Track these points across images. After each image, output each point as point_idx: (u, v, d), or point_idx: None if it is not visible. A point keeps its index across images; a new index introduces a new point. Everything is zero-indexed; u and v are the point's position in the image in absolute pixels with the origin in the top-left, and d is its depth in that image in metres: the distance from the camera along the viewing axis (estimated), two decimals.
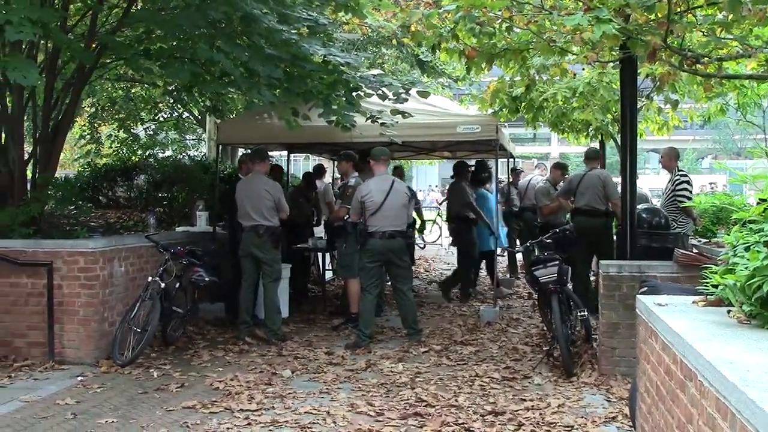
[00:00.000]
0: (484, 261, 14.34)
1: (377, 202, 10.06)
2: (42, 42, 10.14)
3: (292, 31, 9.58)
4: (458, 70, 20.73)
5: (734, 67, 10.48)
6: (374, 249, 10.10)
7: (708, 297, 4.37)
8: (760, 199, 4.04)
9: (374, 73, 12.06)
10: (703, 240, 9.78)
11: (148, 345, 9.12)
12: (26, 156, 10.44)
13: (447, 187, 14.48)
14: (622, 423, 6.81)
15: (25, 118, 10.84)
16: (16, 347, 9.05)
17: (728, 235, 4.21)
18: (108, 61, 11.22)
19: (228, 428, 6.68)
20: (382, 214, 10.06)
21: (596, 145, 15.27)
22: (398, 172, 15.94)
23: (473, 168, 14.26)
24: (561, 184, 13.51)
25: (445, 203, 15.34)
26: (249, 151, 13.31)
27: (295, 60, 9.53)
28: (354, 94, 10.26)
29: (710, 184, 27.31)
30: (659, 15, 7.68)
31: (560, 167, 13.97)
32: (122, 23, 10.43)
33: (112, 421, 6.89)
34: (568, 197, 12.28)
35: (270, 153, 12.80)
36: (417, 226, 14.99)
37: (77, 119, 19.58)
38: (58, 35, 8.45)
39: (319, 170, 15.80)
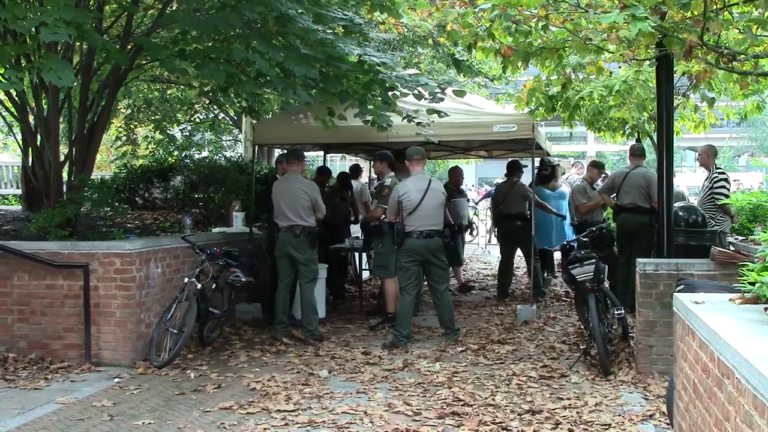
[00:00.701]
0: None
1: (414, 202, 10.04)
2: (77, 43, 10.24)
3: (328, 31, 9.60)
4: (494, 69, 20.65)
5: None
6: (412, 249, 10.09)
7: (745, 294, 4.35)
8: None
9: (410, 72, 12.05)
10: (740, 237, 9.71)
11: (184, 346, 9.17)
12: (62, 157, 10.53)
13: (496, 186, 14.26)
14: (659, 421, 6.77)
15: (61, 119, 10.94)
16: (52, 349, 9.10)
17: (765, 232, 4.17)
18: (143, 62, 11.30)
19: (265, 429, 6.69)
20: (419, 213, 10.04)
21: (633, 142, 15.16)
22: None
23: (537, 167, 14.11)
24: (598, 182, 13.44)
25: (483, 202, 15.10)
26: (285, 151, 13.36)
27: (330, 60, 9.54)
28: (390, 93, 10.26)
29: (734, 181, 27.06)
30: (695, 12, 7.63)
31: (597, 166, 13.88)
32: (157, 24, 10.50)
33: (149, 423, 6.92)
34: (611, 194, 12.22)
35: (306, 153, 12.83)
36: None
37: (113, 121, 19.72)
38: (93, 36, 8.51)
39: (356, 170, 15.81)
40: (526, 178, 14.03)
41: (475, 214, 27.44)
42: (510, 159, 14.50)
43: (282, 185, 10.66)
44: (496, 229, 14.87)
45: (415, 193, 10.09)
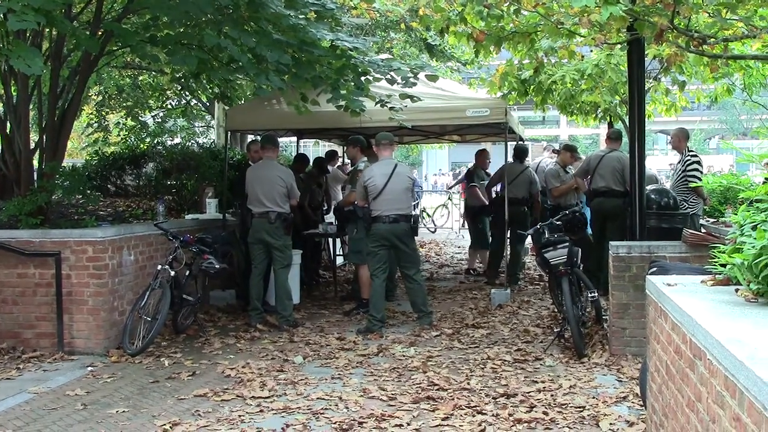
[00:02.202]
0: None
1: (379, 186, 10.07)
2: (47, 30, 10.13)
3: (300, 17, 9.55)
4: (467, 54, 20.65)
5: (740, 48, 10.45)
6: (378, 233, 10.12)
7: (716, 276, 4.38)
8: (766, 178, 4.03)
9: (383, 57, 12.03)
10: (711, 220, 9.77)
11: (158, 334, 9.13)
12: (32, 145, 10.43)
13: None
14: (633, 402, 6.82)
15: (31, 106, 10.83)
16: (24, 339, 9.04)
17: (736, 214, 4.20)
18: (114, 48, 11.21)
19: (240, 416, 6.69)
20: (384, 197, 10.06)
21: (605, 127, 15.23)
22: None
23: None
24: (570, 166, 13.48)
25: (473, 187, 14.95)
26: (258, 137, 13.31)
27: (303, 45, 9.50)
28: (363, 78, 10.24)
29: (709, 167, 27.37)
30: None
31: (570, 149, 13.93)
32: (128, 10, 10.40)
33: (123, 411, 6.90)
34: (585, 177, 12.27)
35: (279, 139, 12.80)
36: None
37: (84, 107, 19.55)
38: (63, 23, 8.42)
39: (331, 156, 15.80)
40: (499, 163, 14.01)
41: (449, 198, 27.51)
42: (519, 143, 14.34)
43: (257, 171, 10.63)
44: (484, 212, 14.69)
45: (380, 178, 10.11)
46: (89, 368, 8.39)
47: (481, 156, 15.05)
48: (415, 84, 10.45)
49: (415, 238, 10.83)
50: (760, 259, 3.58)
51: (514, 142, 13.95)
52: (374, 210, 10.12)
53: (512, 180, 12.97)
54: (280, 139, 13.27)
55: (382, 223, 10.07)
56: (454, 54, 22.09)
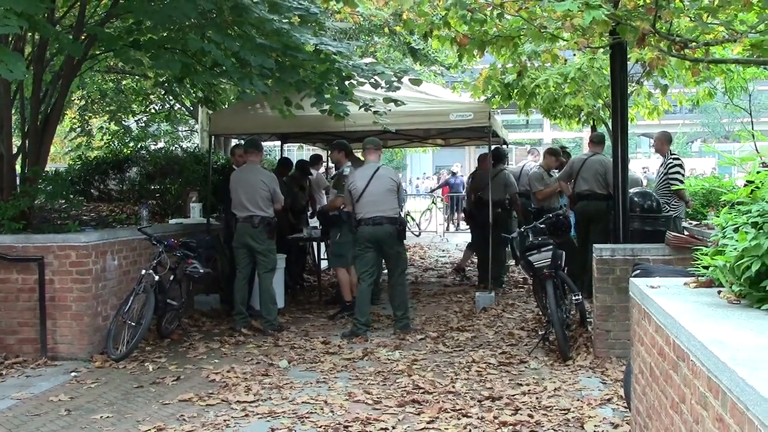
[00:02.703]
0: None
1: (359, 189, 10.09)
2: (29, 34, 10.10)
3: (284, 21, 9.55)
4: (450, 58, 20.64)
5: (721, 52, 10.54)
6: (362, 236, 10.14)
7: (699, 278, 4.40)
8: (747, 180, 4.06)
9: (366, 61, 12.05)
10: (694, 222, 9.82)
11: (142, 338, 9.12)
12: (15, 150, 10.39)
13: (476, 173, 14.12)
14: (617, 404, 6.85)
15: (13, 111, 10.80)
16: (7, 344, 9.00)
17: (718, 216, 4.23)
18: (97, 52, 11.17)
19: (225, 420, 6.68)
20: (365, 200, 10.07)
21: (588, 130, 15.27)
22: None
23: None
24: (554, 170, 13.51)
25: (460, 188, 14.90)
26: (242, 141, 13.30)
27: (286, 49, 9.51)
28: (346, 82, 10.26)
29: (692, 170, 27.58)
30: (647, 1, 7.72)
31: (553, 153, 13.95)
32: (111, 14, 10.39)
33: (107, 417, 6.88)
34: (569, 181, 12.30)
35: (263, 143, 12.79)
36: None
37: (67, 112, 19.50)
38: (45, 27, 8.41)
39: (316, 160, 15.80)
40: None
41: (433, 202, 27.57)
42: (497, 146, 14.33)
43: (241, 175, 10.63)
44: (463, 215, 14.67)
45: (360, 181, 10.15)
46: (73, 374, 8.37)
47: (484, 160, 15.07)
48: (399, 88, 10.47)
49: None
50: (742, 261, 3.61)
51: (502, 147, 13.98)
52: (357, 213, 10.15)
53: (490, 182, 13.04)
54: (264, 144, 13.25)
55: (365, 225, 10.07)
56: (438, 58, 22.12)
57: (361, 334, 9.86)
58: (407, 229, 21.56)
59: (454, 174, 30.86)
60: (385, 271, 11.27)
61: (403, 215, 11.29)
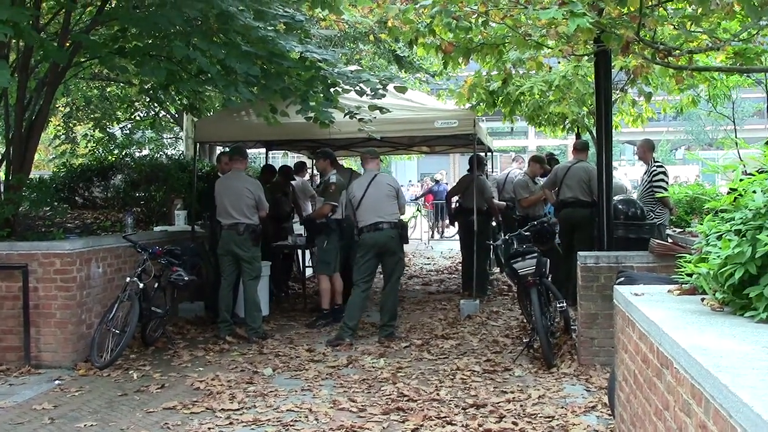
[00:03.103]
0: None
1: (358, 197, 10.19)
2: (14, 41, 10.07)
3: (269, 28, 9.56)
4: (435, 65, 20.71)
5: (704, 60, 10.57)
6: (363, 242, 10.22)
7: (683, 286, 4.42)
8: (730, 188, 4.08)
9: (352, 69, 12.06)
10: (678, 230, 9.86)
11: (126, 346, 9.10)
12: None
13: (459, 180, 14.20)
14: (601, 412, 6.86)
15: None
16: None
17: (701, 224, 4.25)
18: (82, 59, 11.16)
19: (209, 428, 6.67)
20: (364, 207, 10.16)
21: (573, 137, 15.32)
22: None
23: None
24: (539, 177, 13.55)
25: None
26: (227, 148, 13.28)
27: (272, 57, 9.52)
28: (332, 90, 10.27)
29: (675, 177, 27.72)
30: (632, 9, 7.74)
31: (538, 160, 14.00)
32: (96, 21, 10.37)
33: (91, 425, 6.85)
34: (553, 188, 12.33)
35: (248, 150, 12.78)
36: None
37: (52, 119, 19.44)
38: (30, 34, 8.38)
39: (300, 167, 15.78)
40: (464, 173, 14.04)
41: (418, 209, 27.59)
42: (474, 154, 14.36)
43: (226, 183, 10.62)
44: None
45: (358, 189, 10.24)
46: (56, 382, 8.33)
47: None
48: (384, 95, 10.49)
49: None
50: (726, 268, 3.63)
51: (482, 153, 14.01)
52: (358, 221, 10.24)
53: (464, 190, 13.08)
54: (249, 151, 13.24)
55: (366, 232, 10.15)
56: (423, 65, 22.16)
57: (347, 338, 9.86)
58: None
59: (437, 182, 30.92)
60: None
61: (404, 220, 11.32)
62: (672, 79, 11.23)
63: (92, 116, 20.93)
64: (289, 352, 9.49)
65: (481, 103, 12.60)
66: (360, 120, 10.46)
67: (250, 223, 10.41)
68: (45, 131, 16.92)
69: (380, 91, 10.41)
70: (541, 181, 13.31)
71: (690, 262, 4.21)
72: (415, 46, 9.95)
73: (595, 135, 11.34)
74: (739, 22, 8.91)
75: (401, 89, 11.11)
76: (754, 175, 3.98)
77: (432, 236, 26.68)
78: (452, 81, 22.75)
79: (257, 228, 10.52)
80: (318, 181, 13.43)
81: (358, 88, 10.38)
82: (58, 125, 21.70)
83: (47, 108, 10.54)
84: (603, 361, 8.29)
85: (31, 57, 10.24)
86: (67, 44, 9.92)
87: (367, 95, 10.40)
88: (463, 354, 9.31)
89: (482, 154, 14.32)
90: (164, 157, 16.23)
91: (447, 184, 28.77)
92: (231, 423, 6.80)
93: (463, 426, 6.59)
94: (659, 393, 3.64)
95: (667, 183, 11.32)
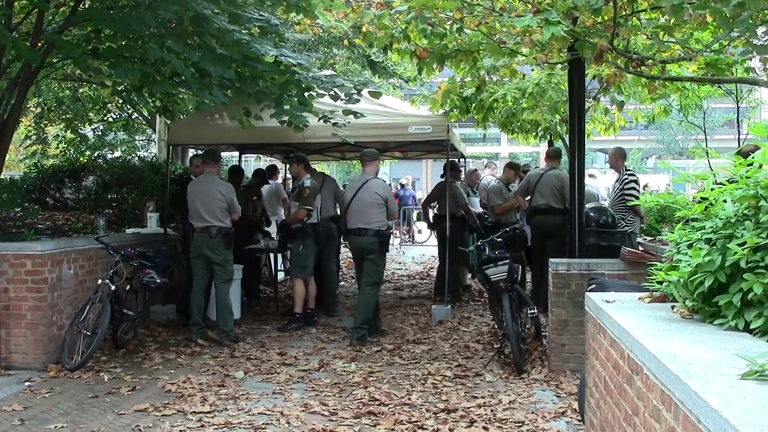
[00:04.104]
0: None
1: (347, 199, 10.52)
2: None
3: (244, 32, 9.55)
4: (409, 71, 20.78)
5: (676, 70, 10.67)
6: (350, 244, 10.65)
7: (653, 293, 4.47)
8: (701, 197, 4.13)
9: (326, 73, 12.07)
10: (648, 238, 9.93)
11: (98, 348, 9.06)
12: None
13: (435, 186, 14.28)
14: (571, 417, 6.91)
15: None
16: None
17: (672, 232, 4.30)
18: (55, 60, 11.10)
19: (181, 431, 6.66)
20: (351, 210, 10.44)
21: (546, 145, 15.39)
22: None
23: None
24: (513, 184, 13.59)
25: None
26: (200, 151, 13.25)
27: (246, 60, 9.51)
28: (306, 94, 10.26)
29: (644, 185, 27.95)
30: (606, 18, 7.81)
31: (513, 167, 14.03)
32: (70, 22, 10.31)
33: (62, 427, 6.82)
34: (526, 196, 12.38)
35: (221, 154, 12.76)
36: None
37: (23, 119, 19.33)
38: (3, 34, 8.32)
39: (272, 171, 15.77)
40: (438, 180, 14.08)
41: None
42: (449, 160, 14.38)
43: (198, 186, 10.60)
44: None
45: (349, 191, 10.61)
46: (27, 383, 8.28)
47: (473, 175, 15.24)
48: (358, 100, 10.51)
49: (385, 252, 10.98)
50: (696, 276, 3.68)
51: (455, 159, 14.06)
52: (346, 222, 10.59)
53: (440, 196, 13.12)
54: (222, 154, 13.22)
55: (351, 235, 10.46)
56: (397, 71, 22.20)
57: (368, 336, 10.34)
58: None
59: (403, 186, 30.92)
60: (341, 283, 11.31)
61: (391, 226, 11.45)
62: (644, 89, 11.35)
63: (64, 117, 20.84)
64: (260, 356, 9.48)
65: (455, 110, 12.65)
66: (334, 124, 10.47)
67: (223, 226, 10.40)
68: (16, 131, 16.83)
69: (354, 96, 10.43)
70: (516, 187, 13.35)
71: (661, 270, 4.26)
72: (389, 52, 9.99)
73: (567, 143, 11.40)
74: (711, 33, 8.99)
75: (375, 94, 11.13)
76: (724, 185, 4.03)
77: (403, 241, 26.68)
78: (426, 87, 22.81)
79: (229, 231, 10.50)
80: (292, 185, 13.41)
81: (332, 92, 10.39)
82: (30, 126, 21.59)
83: (19, 108, 10.48)
84: (573, 367, 8.35)
85: (3, 56, 10.17)
86: (40, 44, 9.86)
87: (342, 100, 10.42)
88: (434, 359, 9.34)
89: (456, 160, 14.38)
90: (137, 159, 16.20)
91: (413, 189, 28.71)
92: (202, 426, 6.79)
93: (434, 430, 6.62)
94: (629, 399, 3.68)
95: (638, 191, 11.39)
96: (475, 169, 16.43)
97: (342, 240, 10.66)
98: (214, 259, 10.39)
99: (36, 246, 8.90)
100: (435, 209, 14.20)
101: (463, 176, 15.10)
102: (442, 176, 13.55)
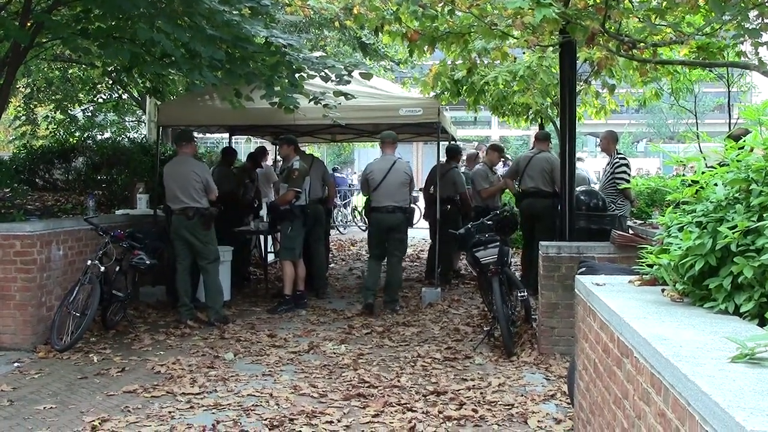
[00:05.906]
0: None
1: (377, 180, 11.02)
2: None
3: (234, 12, 9.50)
4: (400, 53, 20.72)
5: (668, 53, 10.67)
6: (375, 222, 11.20)
7: (643, 276, 4.47)
8: (692, 180, 4.13)
9: (317, 55, 12.03)
10: (639, 221, 9.94)
11: (87, 329, 9.04)
12: None
13: (434, 169, 14.25)
14: (560, 400, 6.93)
15: None
16: None
17: (662, 216, 4.30)
18: (44, 40, 11.04)
19: (170, 412, 6.65)
20: (381, 191, 11.03)
21: (536, 128, 15.38)
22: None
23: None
24: (498, 166, 13.56)
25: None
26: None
27: (237, 41, 9.46)
28: (297, 75, 10.22)
29: (638, 169, 28.00)
30: (597, 1, 7.79)
31: (497, 149, 13.95)
32: (59, 1, 10.24)
33: (51, 407, 6.81)
34: (515, 178, 12.36)
35: (211, 135, 12.72)
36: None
37: (12, 100, 19.24)
38: None
39: (262, 152, 15.72)
40: (432, 162, 14.07)
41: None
42: (451, 144, 14.32)
43: (173, 167, 10.58)
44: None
45: (378, 173, 11.08)
46: (16, 364, 8.27)
47: (473, 159, 15.24)
48: (349, 82, 10.45)
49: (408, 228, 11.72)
50: (686, 260, 3.67)
51: (446, 142, 14.02)
52: (373, 201, 11.14)
53: (439, 179, 13.11)
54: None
55: (379, 213, 11.05)
56: (388, 53, 22.14)
57: (370, 299, 11.11)
58: (354, 224, 21.58)
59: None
60: (331, 265, 11.31)
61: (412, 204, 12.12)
62: (636, 72, 11.34)
63: (53, 98, 20.75)
64: (250, 338, 9.48)
65: (446, 92, 12.64)
66: (325, 106, 10.44)
67: (200, 207, 10.37)
68: (5, 112, 16.76)
69: (345, 78, 10.39)
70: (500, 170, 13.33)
71: (651, 253, 4.25)
72: (380, 34, 9.96)
73: (558, 126, 11.39)
74: (703, 16, 8.99)
75: (367, 75, 11.08)
76: (715, 168, 4.03)
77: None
78: (417, 69, 22.77)
79: (206, 211, 10.45)
80: (281, 167, 13.39)
81: (323, 73, 10.35)
82: (19, 106, 21.49)
83: (8, 88, 10.41)
84: (563, 350, 8.37)
85: None
86: (29, 24, 9.80)
87: (332, 81, 10.38)
88: (424, 341, 9.35)
89: (459, 144, 14.39)
90: (127, 140, 16.14)
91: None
92: (192, 407, 6.79)
93: (423, 413, 6.62)
94: (619, 382, 3.68)
95: (629, 175, 11.41)
96: (477, 153, 16.35)
97: (353, 219, 11.09)
98: (193, 241, 10.37)
99: (25, 227, 8.87)
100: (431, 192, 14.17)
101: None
102: (447, 160, 13.50)
